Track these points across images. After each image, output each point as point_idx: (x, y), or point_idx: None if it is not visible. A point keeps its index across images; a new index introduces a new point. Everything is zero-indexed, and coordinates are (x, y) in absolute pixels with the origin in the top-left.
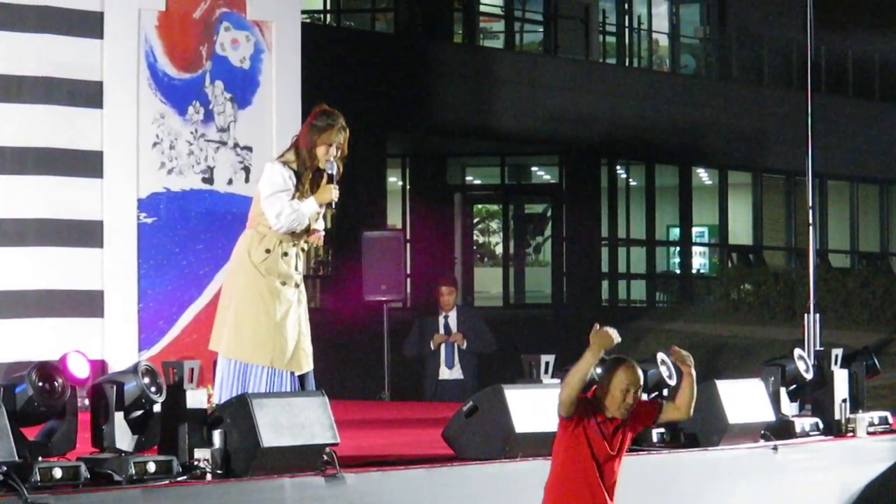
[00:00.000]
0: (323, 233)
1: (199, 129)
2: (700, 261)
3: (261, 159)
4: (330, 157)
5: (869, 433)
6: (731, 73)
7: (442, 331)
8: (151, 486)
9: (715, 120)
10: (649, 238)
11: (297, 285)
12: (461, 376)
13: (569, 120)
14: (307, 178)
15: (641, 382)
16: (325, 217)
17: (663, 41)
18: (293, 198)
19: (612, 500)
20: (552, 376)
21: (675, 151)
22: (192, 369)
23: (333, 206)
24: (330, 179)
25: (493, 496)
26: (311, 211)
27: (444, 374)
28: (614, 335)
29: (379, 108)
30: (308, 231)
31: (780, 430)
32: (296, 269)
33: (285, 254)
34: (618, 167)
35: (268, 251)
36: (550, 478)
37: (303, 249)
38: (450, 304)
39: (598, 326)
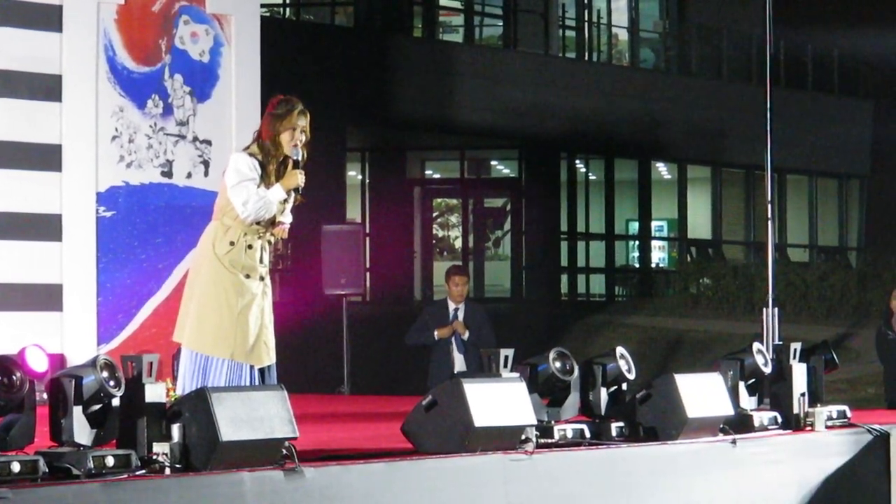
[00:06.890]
0: (288, 225)
1: (158, 122)
2: (659, 255)
3: (220, 153)
4: (296, 141)
5: (827, 427)
6: (690, 67)
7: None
8: (110, 479)
9: (674, 114)
10: (608, 232)
11: (261, 278)
12: (464, 368)
13: (528, 114)
14: (273, 167)
15: None
16: (291, 210)
17: (623, 35)
18: (259, 187)
19: None
20: (511, 370)
21: (634, 145)
22: (151, 363)
23: (300, 192)
24: (296, 165)
25: (452, 490)
26: (278, 198)
27: (458, 364)
28: None
29: (338, 101)
30: (273, 223)
31: (739, 423)
32: (261, 261)
33: (250, 246)
34: (577, 161)
35: (232, 243)
36: None
37: (269, 242)
38: (462, 294)
39: None
